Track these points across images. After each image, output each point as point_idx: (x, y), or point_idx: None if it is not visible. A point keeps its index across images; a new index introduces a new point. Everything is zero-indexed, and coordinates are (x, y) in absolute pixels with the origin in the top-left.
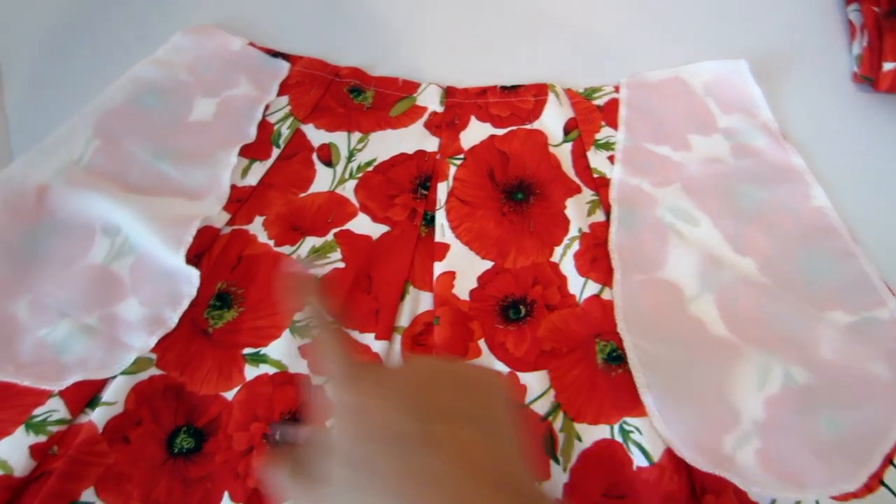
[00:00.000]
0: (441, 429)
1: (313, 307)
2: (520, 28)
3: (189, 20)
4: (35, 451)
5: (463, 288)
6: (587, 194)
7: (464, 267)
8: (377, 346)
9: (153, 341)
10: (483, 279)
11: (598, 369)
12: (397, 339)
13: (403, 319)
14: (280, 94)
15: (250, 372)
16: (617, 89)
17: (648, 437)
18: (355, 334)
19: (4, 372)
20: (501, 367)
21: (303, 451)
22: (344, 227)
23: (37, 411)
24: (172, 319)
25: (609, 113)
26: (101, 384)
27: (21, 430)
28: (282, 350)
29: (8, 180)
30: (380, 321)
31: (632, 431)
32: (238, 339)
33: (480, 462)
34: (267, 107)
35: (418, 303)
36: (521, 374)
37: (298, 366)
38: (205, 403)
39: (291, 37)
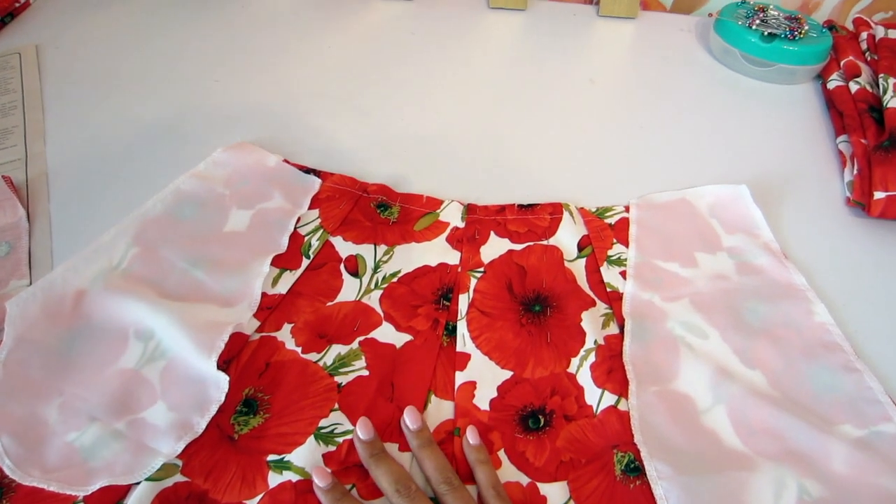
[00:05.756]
0: None
1: None
2: (535, 151)
3: (230, 138)
4: None
5: (483, 398)
6: (601, 307)
7: (484, 376)
8: (400, 457)
9: (181, 447)
10: (503, 388)
11: (617, 480)
12: None
13: None
14: (311, 207)
15: (273, 479)
16: (627, 209)
17: None
18: None
19: (31, 477)
20: (522, 478)
21: None
22: (368, 336)
23: None
24: (200, 425)
25: (620, 231)
26: (125, 490)
27: None
28: (305, 457)
29: (49, 285)
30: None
31: None
32: (263, 445)
33: None
34: (298, 219)
35: (440, 412)
36: (540, 485)
37: None
38: None
39: (323, 155)
